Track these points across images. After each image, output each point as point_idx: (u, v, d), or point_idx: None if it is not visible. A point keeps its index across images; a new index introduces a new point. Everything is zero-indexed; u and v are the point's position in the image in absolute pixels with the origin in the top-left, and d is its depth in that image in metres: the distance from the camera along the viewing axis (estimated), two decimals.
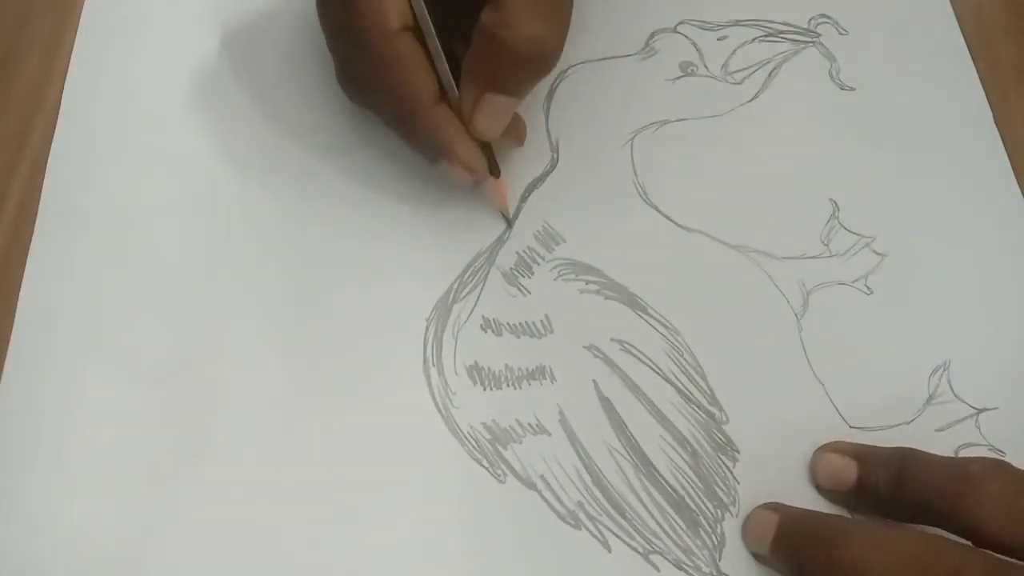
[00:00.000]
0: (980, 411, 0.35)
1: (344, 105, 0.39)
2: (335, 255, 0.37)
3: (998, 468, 0.30)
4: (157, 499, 0.32)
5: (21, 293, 0.36)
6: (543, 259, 0.37)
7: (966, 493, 0.29)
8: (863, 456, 0.33)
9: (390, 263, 0.37)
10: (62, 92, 0.40)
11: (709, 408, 0.35)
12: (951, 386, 0.35)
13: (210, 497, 0.33)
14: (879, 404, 0.35)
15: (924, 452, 0.32)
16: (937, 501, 0.30)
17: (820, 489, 0.33)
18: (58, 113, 0.40)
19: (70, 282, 0.36)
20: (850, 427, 0.35)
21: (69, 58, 0.41)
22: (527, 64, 0.33)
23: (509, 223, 0.38)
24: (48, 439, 0.33)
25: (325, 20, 0.35)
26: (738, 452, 0.34)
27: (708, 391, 0.35)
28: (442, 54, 0.34)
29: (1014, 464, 0.31)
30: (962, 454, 0.34)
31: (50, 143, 0.39)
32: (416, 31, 0.34)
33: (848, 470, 0.32)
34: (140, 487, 0.33)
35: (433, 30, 0.34)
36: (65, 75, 0.40)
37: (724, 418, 0.34)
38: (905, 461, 0.32)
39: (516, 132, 0.38)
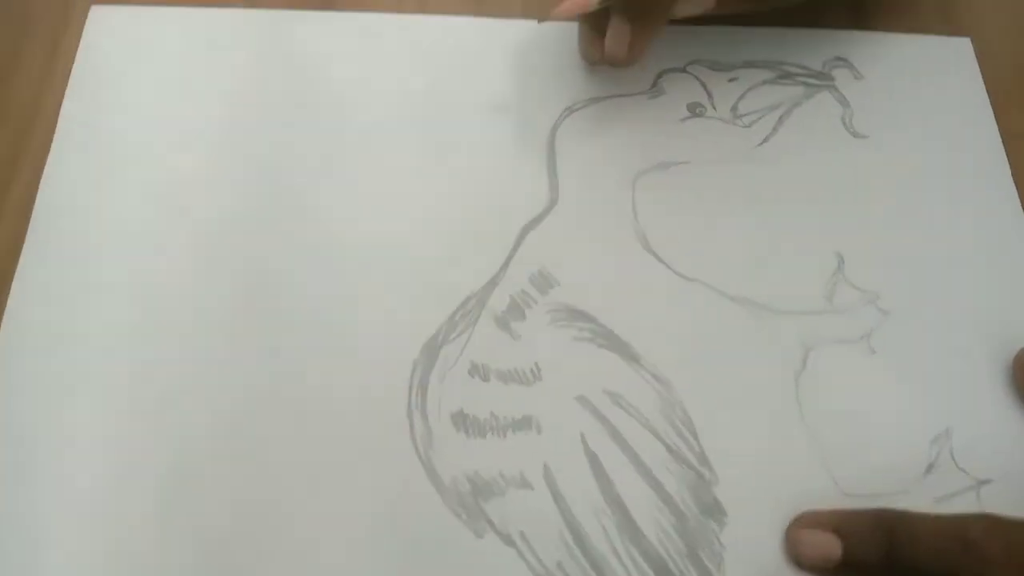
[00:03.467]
0: (982, 483, 0.34)
1: (339, 137, 0.39)
2: (324, 291, 0.36)
3: (995, 527, 0.30)
4: (141, 531, 0.32)
5: (3, 322, 0.35)
6: (536, 303, 0.36)
7: (967, 558, 0.29)
8: (845, 529, 0.31)
9: (379, 302, 0.36)
10: (62, 94, 0.40)
11: (699, 468, 0.33)
12: (953, 455, 0.34)
13: (193, 534, 0.32)
14: (876, 471, 0.34)
15: (910, 513, 0.31)
16: (936, 567, 0.29)
17: (804, 567, 0.32)
18: (57, 115, 0.39)
19: (56, 310, 0.35)
20: (844, 494, 0.33)
21: (69, 59, 0.40)
22: None
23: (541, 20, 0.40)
24: (33, 468, 0.33)
25: None
26: (726, 516, 0.33)
27: (698, 450, 0.34)
28: None
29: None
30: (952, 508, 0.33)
31: (50, 145, 0.38)
32: None
33: (832, 546, 0.31)
34: (125, 518, 0.32)
35: None
36: (65, 75, 0.40)
37: (714, 479, 0.33)
38: (893, 529, 0.31)
39: None
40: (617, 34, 0.36)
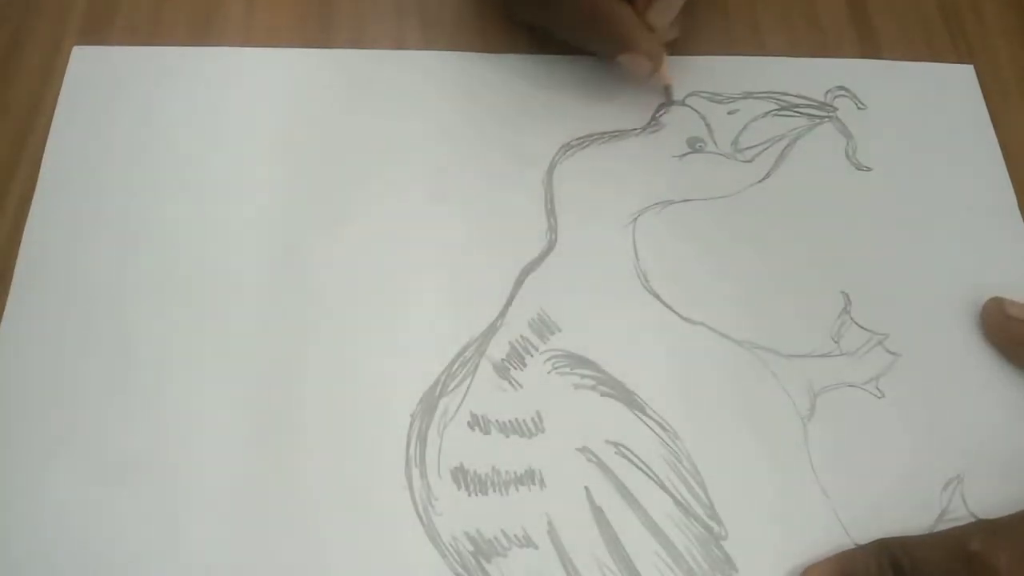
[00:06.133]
0: None
1: (332, 181, 0.38)
2: (318, 343, 0.35)
3: (993, 534, 0.30)
4: (133, 535, 0.31)
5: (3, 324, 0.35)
6: (537, 350, 0.35)
7: (972, 571, 0.29)
8: (850, 570, 0.31)
9: (376, 351, 0.35)
10: (46, 134, 0.39)
11: (708, 522, 0.33)
12: (965, 502, 0.33)
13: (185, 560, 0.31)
14: (888, 520, 0.33)
15: (908, 539, 0.31)
16: None
17: None
18: (41, 155, 0.38)
19: (39, 373, 0.34)
20: (855, 544, 0.32)
21: (52, 99, 0.39)
22: None
23: (671, 99, 0.40)
24: (31, 468, 0.32)
25: None
26: (736, 571, 0.32)
27: (707, 502, 0.33)
28: None
29: None
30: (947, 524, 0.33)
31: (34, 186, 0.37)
32: None
33: None
34: (118, 520, 0.32)
35: None
36: (49, 116, 0.39)
37: (723, 533, 0.32)
38: (896, 558, 0.30)
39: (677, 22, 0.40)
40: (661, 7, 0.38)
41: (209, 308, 0.35)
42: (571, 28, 0.38)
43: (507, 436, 0.34)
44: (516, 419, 0.34)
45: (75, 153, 0.38)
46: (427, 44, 0.41)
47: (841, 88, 0.41)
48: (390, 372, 0.35)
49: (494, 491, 0.33)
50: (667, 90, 0.40)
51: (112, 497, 0.32)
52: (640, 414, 0.34)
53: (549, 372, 0.35)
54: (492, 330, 0.35)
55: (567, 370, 0.35)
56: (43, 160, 0.38)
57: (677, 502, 0.33)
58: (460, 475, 0.33)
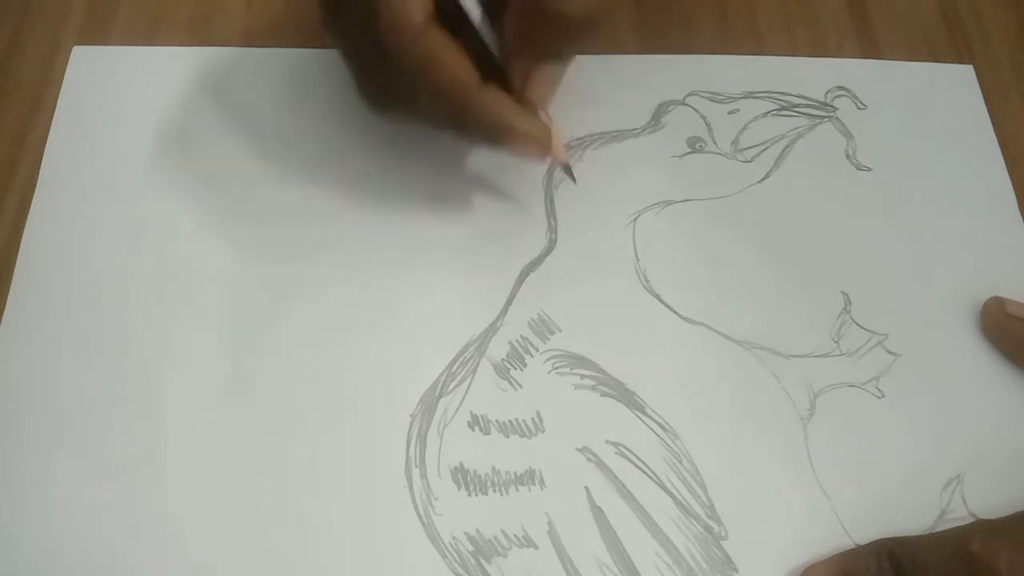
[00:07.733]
0: None
1: (331, 182, 0.38)
2: (318, 343, 0.35)
3: (993, 534, 0.29)
4: (130, 537, 0.31)
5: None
6: (537, 350, 0.35)
7: (973, 572, 0.29)
8: (850, 570, 0.31)
9: (375, 352, 0.35)
10: (46, 134, 0.39)
11: (708, 522, 0.33)
12: (965, 502, 0.33)
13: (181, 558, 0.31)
14: (888, 520, 0.33)
15: (908, 539, 0.31)
16: None
17: None
18: (41, 154, 0.38)
19: (38, 373, 0.34)
20: (856, 544, 0.32)
21: (52, 99, 0.39)
22: (580, 31, 0.31)
23: (572, 178, 0.37)
24: (30, 467, 0.32)
25: (337, 32, 0.33)
26: (736, 571, 0.32)
27: (707, 503, 0.33)
28: (486, 29, 0.32)
29: None
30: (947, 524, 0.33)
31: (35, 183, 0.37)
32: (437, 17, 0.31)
33: None
34: (116, 521, 0.32)
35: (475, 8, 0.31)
36: (48, 117, 0.39)
37: (723, 533, 0.32)
38: (896, 558, 0.30)
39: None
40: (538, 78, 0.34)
41: (208, 308, 0.35)
42: (445, 126, 0.33)
43: (507, 436, 0.34)
44: (516, 419, 0.34)
45: (75, 153, 0.38)
46: None
47: (841, 88, 0.41)
48: (390, 372, 0.35)
49: (494, 491, 0.33)
50: (567, 170, 0.37)
51: (112, 497, 0.32)
52: (640, 414, 0.34)
53: (549, 372, 0.35)
54: (492, 330, 0.35)
55: (567, 370, 0.35)
56: (43, 160, 0.38)
57: (677, 502, 0.33)
58: (460, 475, 0.33)
